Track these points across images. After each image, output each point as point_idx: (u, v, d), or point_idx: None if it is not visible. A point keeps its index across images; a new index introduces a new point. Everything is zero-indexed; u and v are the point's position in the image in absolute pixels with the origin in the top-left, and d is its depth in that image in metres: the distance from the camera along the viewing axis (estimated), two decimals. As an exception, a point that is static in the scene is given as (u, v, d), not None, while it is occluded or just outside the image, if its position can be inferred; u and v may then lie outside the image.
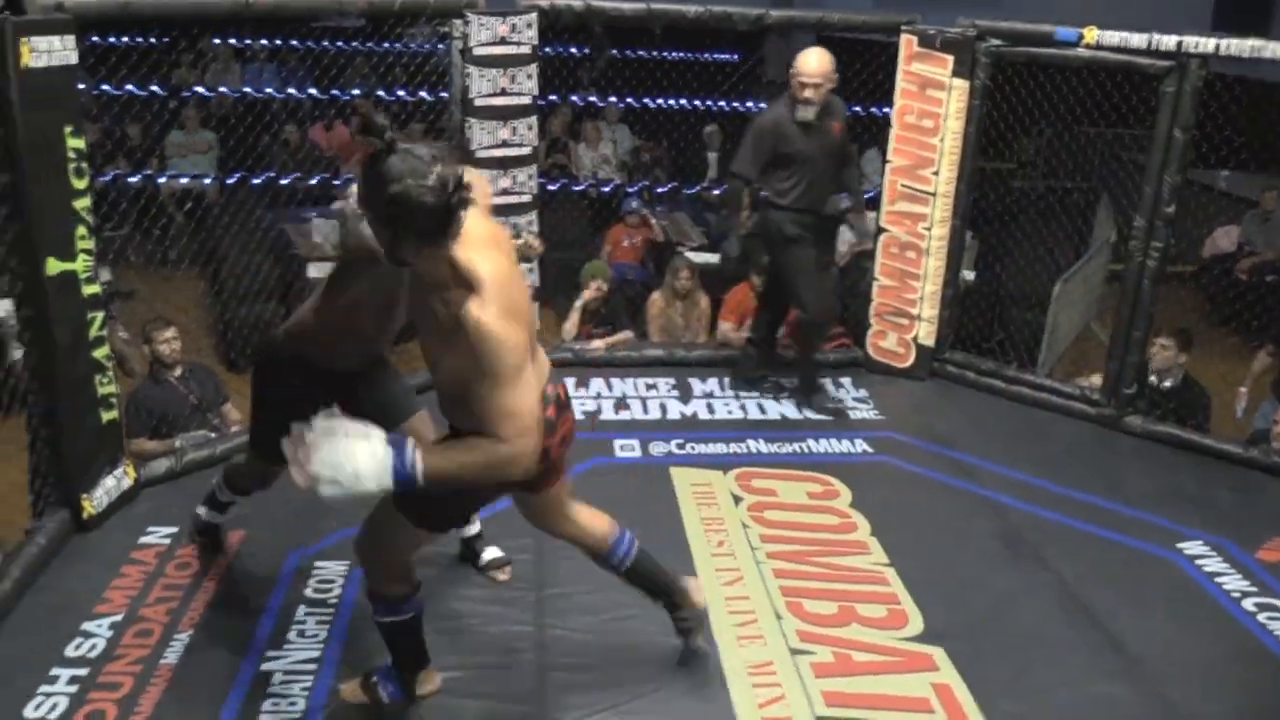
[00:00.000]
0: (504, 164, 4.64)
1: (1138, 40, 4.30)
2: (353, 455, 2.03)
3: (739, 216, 4.80)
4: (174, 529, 3.56)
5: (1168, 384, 4.69)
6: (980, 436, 4.57)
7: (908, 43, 4.79)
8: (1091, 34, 4.40)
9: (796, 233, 4.44)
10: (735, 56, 12.72)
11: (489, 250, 2.11)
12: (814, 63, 4.31)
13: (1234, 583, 3.55)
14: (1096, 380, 4.87)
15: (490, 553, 3.42)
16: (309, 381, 2.76)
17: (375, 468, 2.04)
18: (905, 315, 5.08)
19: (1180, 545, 3.76)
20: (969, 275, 5.43)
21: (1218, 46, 4.14)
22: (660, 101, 9.62)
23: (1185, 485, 4.22)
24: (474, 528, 3.39)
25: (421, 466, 2.06)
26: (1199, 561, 3.67)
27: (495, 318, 2.03)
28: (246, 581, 3.30)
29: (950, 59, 4.69)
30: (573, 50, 10.45)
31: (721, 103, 9.97)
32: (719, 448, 4.34)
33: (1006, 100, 4.95)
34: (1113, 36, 4.36)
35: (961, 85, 4.70)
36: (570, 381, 4.93)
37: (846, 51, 5.63)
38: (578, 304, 5.39)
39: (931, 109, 4.76)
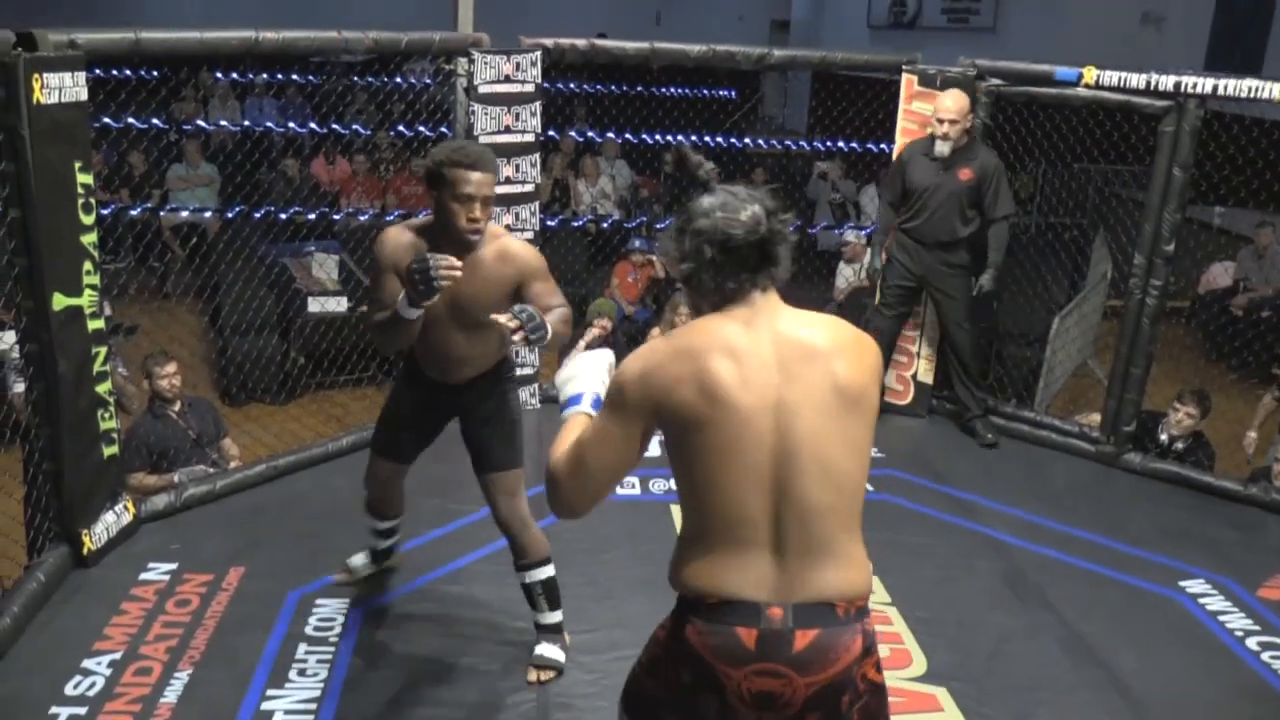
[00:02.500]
0: (506, 201, 4.66)
1: (1136, 80, 4.35)
2: (580, 363, 1.96)
3: (881, 238, 5.00)
4: (173, 565, 3.54)
5: (1180, 446, 4.68)
6: (980, 474, 4.58)
7: (908, 82, 4.84)
8: (1091, 74, 4.46)
9: (899, 257, 4.82)
10: (733, 93, 12.84)
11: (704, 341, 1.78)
12: (949, 101, 4.58)
13: (1236, 621, 3.54)
14: (1095, 419, 4.88)
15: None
16: (425, 392, 3.00)
17: (569, 378, 1.95)
18: (904, 352, 5.09)
19: (1182, 583, 3.76)
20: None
21: (1216, 87, 4.19)
22: (658, 137, 9.70)
23: (1186, 523, 4.22)
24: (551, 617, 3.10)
25: (570, 410, 1.91)
26: (1201, 600, 3.66)
27: (632, 358, 1.80)
28: (247, 619, 3.28)
29: (950, 98, 4.74)
30: (573, 86, 10.54)
31: (720, 139, 10.05)
32: (720, 484, 4.32)
33: (1006, 138, 5.00)
34: (1111, 76, 4.41)
35: (960, 124, 4.75)
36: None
37: (849, 90, 5.68)
38: (581, 342, 5.39)
39: (931, 147, 4.81)
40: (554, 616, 3.09)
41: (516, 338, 2.44)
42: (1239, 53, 10.21)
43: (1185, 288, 7.53)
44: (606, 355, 1.99)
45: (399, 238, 2.77)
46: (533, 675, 3.04)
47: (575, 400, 1.91)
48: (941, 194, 4.65)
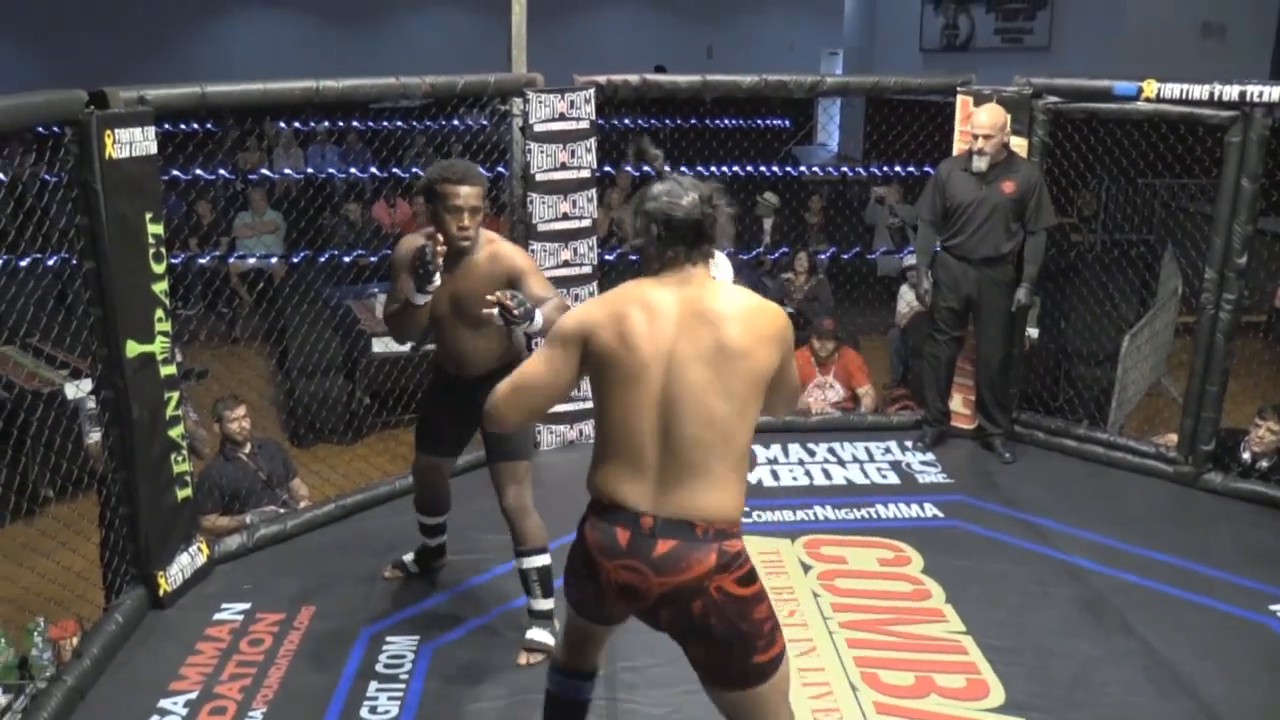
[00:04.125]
0: (564, 237, 4.70)
1: (1199, 91, 4.26)
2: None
3: (925, 259, 4.88)
4: (247, 605, 3.59)
5: (1264, 464, 4.52)
6: (1053, 498, 4.46)
7: (964, 103, 4.79)
8: (1151, 87, 4.37)
9: (944, 278, 4.77)
10: (788, 122, 12.84)
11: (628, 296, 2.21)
12: (984, 116, 4.55)
13: (1332, 647, 3.40)
14: (1172, 439, 4.74)
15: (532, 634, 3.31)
16: (448, 386, 3.38)
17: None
18: (970, 376, 5.01)
19: (1273, 608, 3.61)
20: (1033, 333, 5.35)
21: (1282, 95, 4.09)
22: (714, 169, 9.70)
23: (1273, 544, 4.06)
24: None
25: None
26: (1293, 624, 3.53)
27: (574, 309, 2.31)
28: (318, 657, 3.31)
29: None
30: (627, 122, 10.63)
31: (775, 168, 10.04)
32: (785, 515, 4.29)
33: (1066, 155, 4.92)
34: (1173, 89, 4.32)
35: (1020, 143, 4.69)
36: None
37: (904, 114, 5.64)
38: None
39: (990, 168, 4.75)
40: (546, 604, 3.31)
41: (500, 309, 2.70)
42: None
43: (1261, 301, 7.30)
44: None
45: (411, 242, 3.17)
46: (523, 659, 3.25)
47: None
48: (985, 209, 4.58)
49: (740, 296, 2.18)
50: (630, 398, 2.11)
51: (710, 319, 2.11)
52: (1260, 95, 4.13)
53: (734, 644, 2.13)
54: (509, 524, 3.26)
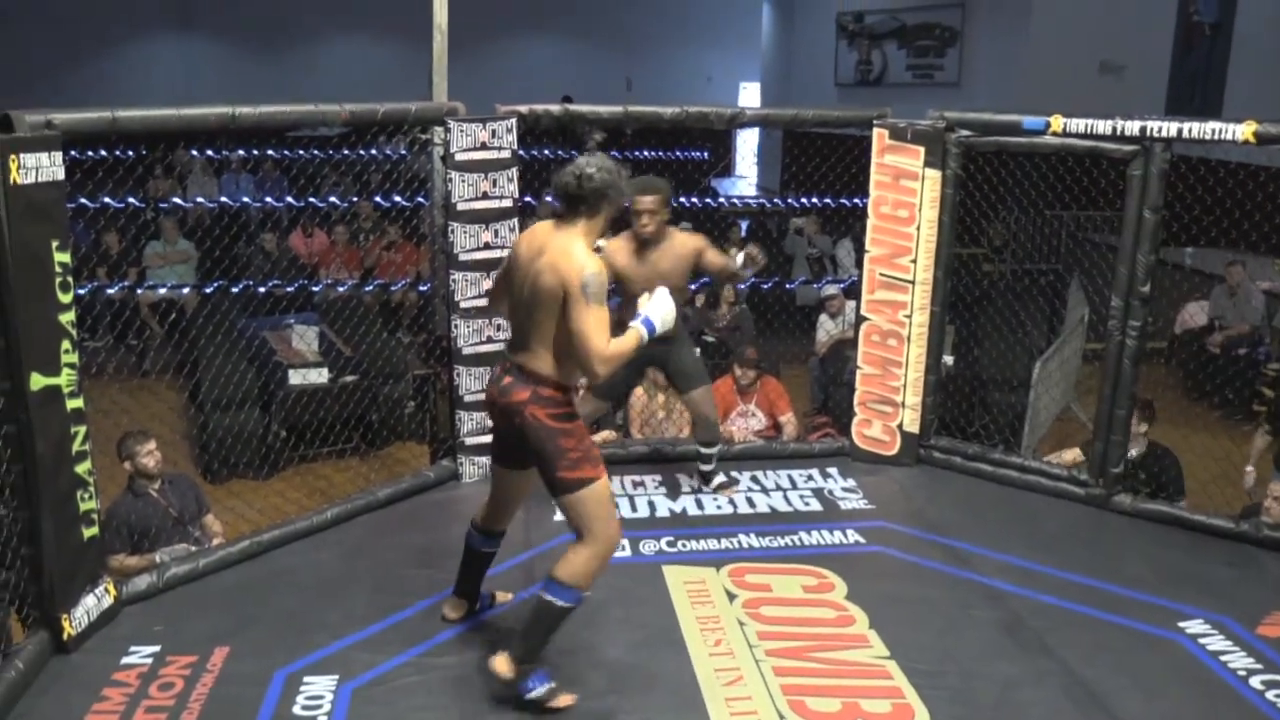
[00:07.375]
0: (486, 266, 4.66)
1: (1103, 126, 4.42)
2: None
3: None
4: (156, 648, 3.45)
5: (1132, 453, 4.72)
6: (972, 522, 4.55)
7: (879, 136, 4.90)
8: (1058, 122, 4.53)
9: None
10: (705, 154, 13.01)
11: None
12: None
13: (1238, 660, 3.51)
14: (1071, 456, 4.88)
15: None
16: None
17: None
18: (889, 403, 5.09)
19: (1181, 624, 3.73)
20: (949, 360, 5.47)
21: (1180, 130, 4.26)
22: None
23: (1180, 563, 4.19)
24: None
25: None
26: (1201, 640, 3.63)
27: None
28: (233, 701, 3.19)
29: (922, 150, 4.80)
30: (548, 152, 10.65)
31: (694, 199, 10.15)
32: (710, 544, 4.29)
33: (979, 187, 5.06)
34: (1078, 124, 4.48)
35: (934, 175, 4.81)
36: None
37: (821, 146, 5.75)
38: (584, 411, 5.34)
39: (906, 199, 4.86)
40: (718, 479, 4.83)
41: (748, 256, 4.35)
42: (1197, 98, 10.45)
43: (1163, 328, 7.61)
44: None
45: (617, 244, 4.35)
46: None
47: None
48: None
49: (563, 242, 3.04)
50: (514, 294, 3.17)
51: (541, 252, 3.07)
52: (1159, 130, 4.30)
53: (542, 454, 3.09)
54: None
